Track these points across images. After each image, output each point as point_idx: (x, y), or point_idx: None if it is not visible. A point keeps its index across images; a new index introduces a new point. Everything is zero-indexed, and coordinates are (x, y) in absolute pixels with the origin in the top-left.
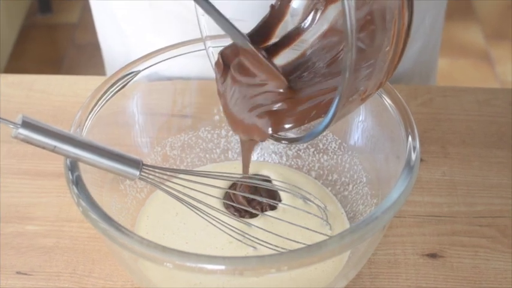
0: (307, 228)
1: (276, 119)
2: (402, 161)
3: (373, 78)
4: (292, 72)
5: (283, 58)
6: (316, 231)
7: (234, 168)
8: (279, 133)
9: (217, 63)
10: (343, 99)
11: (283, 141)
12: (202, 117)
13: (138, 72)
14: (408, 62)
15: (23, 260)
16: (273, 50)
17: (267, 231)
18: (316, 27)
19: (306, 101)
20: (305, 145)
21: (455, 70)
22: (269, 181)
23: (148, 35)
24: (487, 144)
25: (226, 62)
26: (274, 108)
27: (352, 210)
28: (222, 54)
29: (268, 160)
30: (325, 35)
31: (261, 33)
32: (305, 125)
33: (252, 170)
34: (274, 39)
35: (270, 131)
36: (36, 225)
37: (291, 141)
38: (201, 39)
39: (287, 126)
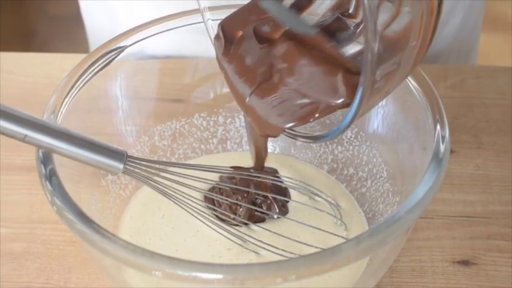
0: (320, 229)
1: (308, 112)
2: (429, 153)
3: (399, 74)
4: None
5: None
6: (330, 232)
7: (233, 159)
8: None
9: (217, 37)
10: (365, 98)
11: (299, 139)
12: (197, 101)
13: (123, 49)
14: (445, 40)
15: None
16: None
17: (272, 232)
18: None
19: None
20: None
21: (491, 48)
22: (277, 175)
23: (137, 8)
24: None
25: (228, 36)
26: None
27: (371, 209)
28: (222, 26)
29: (275, 151)
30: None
31: None
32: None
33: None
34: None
35: (291, 124)
36: (3, 228)
37: (309, 139)
38: (197, 11)
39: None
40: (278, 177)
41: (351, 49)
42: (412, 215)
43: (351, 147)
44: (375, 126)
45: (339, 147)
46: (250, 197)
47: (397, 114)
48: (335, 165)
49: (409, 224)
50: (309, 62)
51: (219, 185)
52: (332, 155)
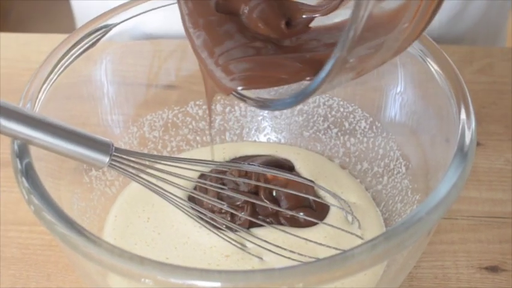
0: (331, 225)
1: (251, 68)
2: (453, 145)
3: (377, 58)
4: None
5: None
6: (343, 230)
7: (232, 152)
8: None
9: None
10: (333, 72)
11: (248, 102)
12: (192, 87)
13: (110, 28)
14: (470, 20)
15: None
16: None
17: (278, 230)
18: None
19: (295, 52)
20: (325, 125)
21: None
22: (290, 168)
23: None
24: None
25: None
26: (252, 54)
27: (388, 209)
28: None
29: (280, 142)
30: None
31: None
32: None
33: (261, 151)
34: None
35: (239, 84)
36: None
37: (260, 103)
38: None
39: (261, 80)
40: (292, 167)
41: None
42: (434, 215)
43: (365, 139)
44: (392, 115)
45: (352, 139)
46: (255, 195)
47: (417, 102)
48: (347, 160)
49: (430, 225)
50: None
51: (220, 180)
52: (344, 147)
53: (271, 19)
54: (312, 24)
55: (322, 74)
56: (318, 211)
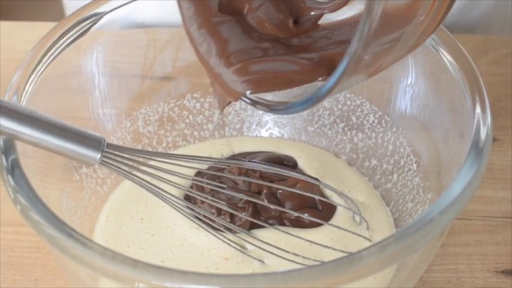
0: (337, 227)
1: (261, 70)
2: (467, 141)
3: (393, 54)
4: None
5: None
6: (350, 231)
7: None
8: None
9: None
10: (348, 71)
11: (257, 106)
12: (189, 79)
13: (101, 15)
14: (484, 7)
15: None
16: None
17: (281, 231)
18: None
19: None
20: (331, 119)
21: None
22: (294, 165)
23: None
24: None
25: None
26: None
27: (398, 209)
28: None
29: (283, 137)
30: None
31: None
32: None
33: (262, 147)
34: None
35: (248, 88)
36: None
37: (271, 107)
38: None
39: (272, 82)
40: (295, 165)
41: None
42: (447, 215)
43: (374, 135)
44: (402, 108)
45: (359, 134)
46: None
47: (429, 95)
48: (354, 156)
49: (443, 226)
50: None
51: (219, 179)
52: (351, 143)
53: (278, 18)
54: (321, 21)
55: (337, 73)
56: (324, 211)
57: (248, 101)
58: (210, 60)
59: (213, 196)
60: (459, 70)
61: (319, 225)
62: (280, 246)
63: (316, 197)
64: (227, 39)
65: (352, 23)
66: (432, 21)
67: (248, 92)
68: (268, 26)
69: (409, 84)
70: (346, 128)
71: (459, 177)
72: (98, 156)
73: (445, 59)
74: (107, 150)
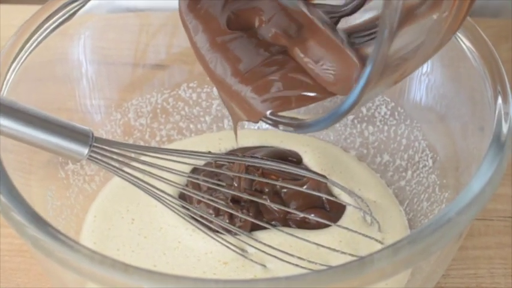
0: (347, 228)
1: (282, 85)
2: (488, 135)
3: (419, 55)
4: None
5: None
6: (360, 233)
7: (230, 141)
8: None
9: None
10: (374, 78)
11: (280, 126)
12: (185, 67)
13: None
14: None
15: None
16: None
17: (284, 233)
18: None
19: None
20: None
21: None
22: (298, 161)
23: None
24: None
25: None
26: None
27: (412, 209)
28: None
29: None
30: None
31: None
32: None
33: (263, 141)
34: None
35: (269, 107)
36: None
37: (294, 126)
38: None
39: (294, 99)
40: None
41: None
42: (465, 216)
43: (386, 128)
44: (417, 99)
45: (370, 128)
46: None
47: (447, 84)
48: (365, 151)
49: (461, 227)
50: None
51: (217, 176)
52: (361, 137)
53: (291, 28)
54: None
55: (363, 79)
56: (332, 212)
57: (269, 122)
58: (226, 80)
59: (211, 195)
60: (479, 57)
61: (326, 226)
62: (284, 249)
63: (324, 196)
64: (240, 57)
65: (370, 26)
66: (456, 17)
67: (269, 112)
68: (282, 37)
69: (424, 72)
70: (355, 121)
71: (479, 174)
72: (86, 151)
73: (463, 45)
74: (95, 144)
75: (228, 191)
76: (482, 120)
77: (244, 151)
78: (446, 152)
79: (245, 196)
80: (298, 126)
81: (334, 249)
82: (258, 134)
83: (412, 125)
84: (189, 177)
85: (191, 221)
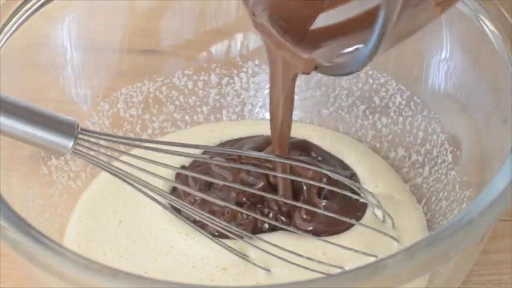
0: (361, 224)
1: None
2: None
3: None
4: None
5: None
6: (373, 228)
7: (230, 133)
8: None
9: None
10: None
11: (322, 70)
12: (179, 52)
13: None
14: None
15: None
16: None
17: (290, 232)
18: None
19: None
20: (349, 101)
21: None
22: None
23: None
24: None
25: None
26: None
27: (430, 208)
28: None
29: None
30: None
31: None
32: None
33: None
34: None
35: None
36: None
37: (334, 68)
38: None
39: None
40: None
41: None
42: (488, 216)
43: (401, 119)
44: (435, 88)
45: (383, 119)
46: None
47: (467, 71)
48: (378, 145)
49: (484, 229)
50: None
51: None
52: (373, 129)
53: None
54: None
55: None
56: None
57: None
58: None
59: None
60: (503, 41)
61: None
62: (292, 249)
63: (335, 190)
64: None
65: None
66: None
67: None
68: None
69: (443, 58)
70: (367, 112)
71: (503, 170)
72: (71, 143)
73: (486, 28)
74: (81, 136)
75: (237, 186)
76: (506, 111)
77: (232, 144)
78: (467, 146)
79: (255, 191)
80: (338, 67)
81: (346, 248)
82: (261, 123)
83: (429, 116)
84: (183, 172)
85: (186, 221)
